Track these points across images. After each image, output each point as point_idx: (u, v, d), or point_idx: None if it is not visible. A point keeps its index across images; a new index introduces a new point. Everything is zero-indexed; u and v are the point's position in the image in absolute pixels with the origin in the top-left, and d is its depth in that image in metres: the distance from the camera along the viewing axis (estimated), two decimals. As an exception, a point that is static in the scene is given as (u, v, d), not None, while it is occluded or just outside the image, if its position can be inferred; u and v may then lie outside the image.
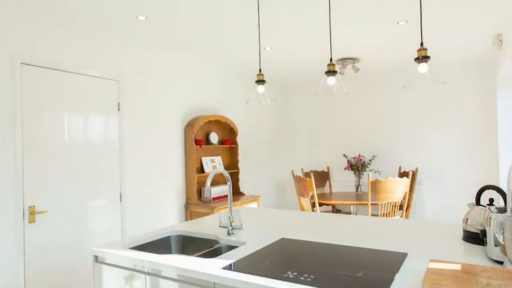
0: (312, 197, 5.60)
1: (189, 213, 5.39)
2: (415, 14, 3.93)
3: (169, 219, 5.16)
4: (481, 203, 2.95)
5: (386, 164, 7.28)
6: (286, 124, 8.43)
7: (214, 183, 5.99)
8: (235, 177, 6.27)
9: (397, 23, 4.21)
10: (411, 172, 5.87)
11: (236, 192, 6.26)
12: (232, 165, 6.31)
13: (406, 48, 5.34)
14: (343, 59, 5.89)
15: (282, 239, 2.61)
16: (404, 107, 7.13)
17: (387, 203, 5.35)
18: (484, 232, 2.16)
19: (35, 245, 3.66)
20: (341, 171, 7.76)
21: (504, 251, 1.91)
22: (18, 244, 3.52)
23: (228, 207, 5.24)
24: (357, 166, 6.62)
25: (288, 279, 1.88)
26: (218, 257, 2.28)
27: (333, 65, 2.94)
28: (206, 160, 5.74)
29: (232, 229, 2.78)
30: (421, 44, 2.50)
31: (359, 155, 6.79)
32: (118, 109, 4.48)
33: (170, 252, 2.94)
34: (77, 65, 4.03)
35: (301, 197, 5.79)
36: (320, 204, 5.77)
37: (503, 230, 1.88)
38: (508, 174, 1.91)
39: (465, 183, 6.62)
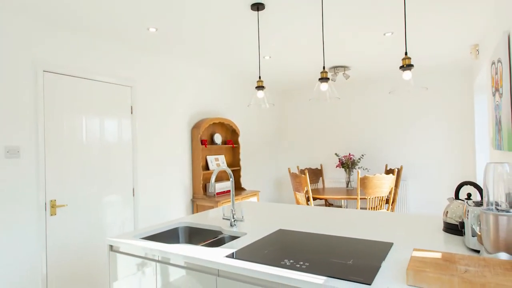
0: (307, 192, 5.60)
1: (195, 207, 5.38)
2: (400, 26, 3.93)
3: (177, 212, 5.15)
4: (460, 198, 2.95)
5: (374, 162, 7.28)
6: (283, 126, 8.42)
7: (218, 179, 5.98)
8: (237, 174, 6.26)
9: (384, 34, 4.21)
10: (396, 170, 5.87)
11: (238, 188, 6.26)
12: (234, 163, 6.31)
13: (392, 57, 5.34)
14: (335, 67, 5.89)
15: (280, 230, 2.61)
16: (390, 110, 7.12)
17: (375, 197, 5.34)
18: (462, 224, 2.16)
19: (56, 235, 3.66)
20: (333, 169, 7.76)
21: (480, 241, 1.91)
22: (41, 235, 3.52)
23: (230, 201, 5.24)
24: (347, 164, 6.62)
25: (285, 266, 1.88)
26: (221, 246, 2.28)
27: (326, 72, 2.94)
28: (210, 159, 5.74)
29: (234, 221, 2.78)
30: (405, 53, 2.50)
31: (349, 154, 6.79)
32: (131, 113, 4.48)
33: (178, 242, 2.94)
34: (94, 72, 4.03)
35: (296, 192, 5.78)
36: (314, 199, 5.77)
37: (479, 222, 1.88)
38: (484, 171, 1.91)
39: (445, 179, 6.62)
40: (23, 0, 3.06)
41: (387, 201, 5.63)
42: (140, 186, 4.58)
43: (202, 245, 2.54)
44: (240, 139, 6.73)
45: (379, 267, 1.83)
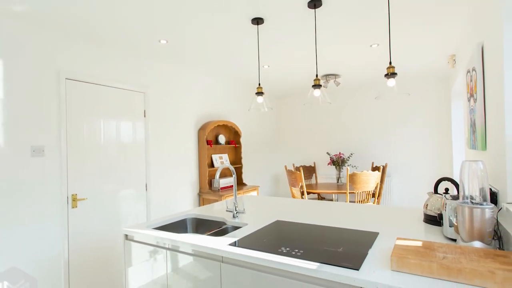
0: (301, 187, 5.60)
1: (202, 200, 5.38)
2: (385, 39, 3.93)
3: (185, 205, 5.15)
4: (439, 192, 2.95)
5: (362, 160, 7.28)
6: (280, 127, 8.42)
7: (222, 175, 5.98)
8: (239, 171, 6.26)
9: (370, 46, 4.21)
10: (381, 167, 5.87)
11: (240, 183, 6.25)
12: (236, 161, 6.31)
13: (378, 66, 5.34)
14: (327, 75, 5.89)
15: (277, 221, 2.62)
16: (376, 114, 7.12)
17: (362, 192, 5.34)
18: (441, 215, 2.17)
19: (77, 226, 3.66)
20: (325, 166, 7.76)
21: (456, 230, 1.91)
22: (63, 225, 3.52)
23: (233, 195, 5.24)
24: (338, 162, 6.62)
25: (282, 254, 1.89)
26: (225, 235, 2.29)
27: (318, 80, 2.95)
28: (215, 157, 5.74)
29: (236, 213, 2.79)
30: (390, 63, 2.50)
31: (340, 153, 6.79)
32: (144, 116, 4.48)
33: (186, 232, 2.94)
34: (111, 79, 4.03)
35: (292, 187, 5.78)
36: (308, 193, 5.77)
37: (456, 213, 1.89)
38: (460, 168, 1.92)
39: (426, 175, 6.62)
40: (50, 16, 3.06)
41: (373, 195, 5.63)
42: (152, 181, 4.58)
43: (207, 235, 2.54)
44: (241, 140, 6.72)
45: (366, 254, 1.84)
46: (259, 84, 3.31)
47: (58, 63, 3.50)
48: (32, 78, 3.28)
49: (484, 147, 2.47)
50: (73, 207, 3.62)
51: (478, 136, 2.62)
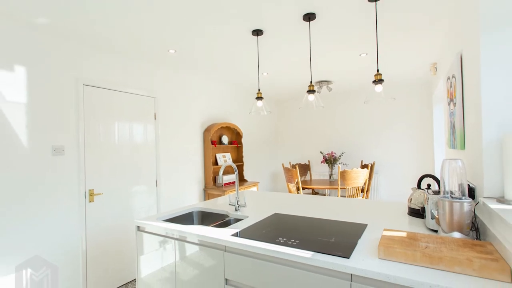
0: (297, 183, 5.60)
1: (207, 195, 5.38)
2: (373, 48, 3.93)
3: (192, 199, 5.15)
4: (421, 188, 2.95)
5: (352, 158, 7.28)
6: (278, 129, 8.42)
7: (225, 172, 5.98)
8: (240, 168, 6.26)
9: (360, 55, 4.21)
10: (370, 165, 5.87)
11: (241, 179, 6.26)
12: (238, 159, 6.31)
13: (366, 73, 5.34)
14: (320, 81, 5.89)
15: (275, 214, 2.62)
16: (365, 117, 7.12)
17: (352, 187, 5.34)
18: (423, 209, 2.17)
19: (94, 218, 3.66)
20: (318, 164, 7.76)
21: (438, 222, 1.91)
22: (81, 218, 3.52)
23: (235, 190, 5.24)
24: (330, 160, 6.62)
25: (279, 243, 1.89)
26: (228, 227, 2.29)
27: (313, 85, 2.95)
28: (219, 156, 5.74)
29: (238, 206, 2.79)
30: (377, 70, 2.51)
31: (332, 152, 6.78)
32: (155, 118, 4.48)
33: (192, 223, 2.94)
34: (124, 85, 4.03)
35: (289, 183, 5.78)
36: (303, 188, 5.77)
37: (437, 207, 1.89)
38: (441, 166, 1.92)
39: (410, 172, 6.62)
40: (69, 28, 3.06)
41: (362, 190, 5.63)
42: (162, 178, 4.58)
43: (212, 226, 2.54)
44: (243, 140, 6.72)
45: (356, 243, 1.84)
46: (259, 90, 3.31)
47: (77, 71, 3.50)
48: (53, 84, 3.28)
49: (463, 146, 2.47)
50: (90, 202, 3.62)
51: (457, 137, 2.62)
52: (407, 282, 1.45)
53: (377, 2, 2.72)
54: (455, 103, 2.63)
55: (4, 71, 2.94)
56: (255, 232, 2.12)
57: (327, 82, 5.89)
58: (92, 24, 3.02)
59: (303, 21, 3.07)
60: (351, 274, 1.60)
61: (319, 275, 1.66)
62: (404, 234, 1.84)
